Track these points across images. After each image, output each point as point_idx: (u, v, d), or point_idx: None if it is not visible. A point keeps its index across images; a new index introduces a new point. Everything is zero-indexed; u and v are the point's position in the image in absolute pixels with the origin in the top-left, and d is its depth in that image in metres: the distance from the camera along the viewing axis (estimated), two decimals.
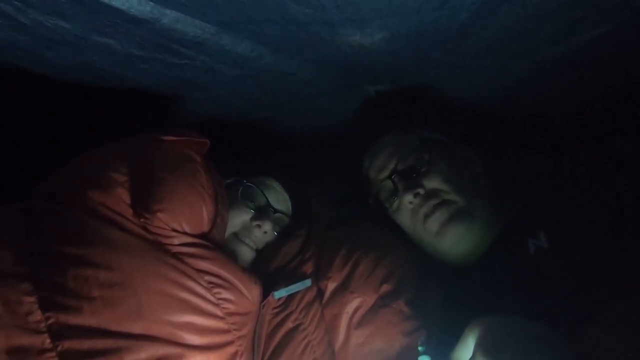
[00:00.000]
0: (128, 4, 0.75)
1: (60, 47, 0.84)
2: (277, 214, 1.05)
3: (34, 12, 0.76)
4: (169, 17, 0.78)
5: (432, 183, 0.93)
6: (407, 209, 0.97)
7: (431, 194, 0.93)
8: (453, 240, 0.90)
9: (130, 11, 0.76)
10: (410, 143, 0.99)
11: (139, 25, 0.79)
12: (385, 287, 0.90)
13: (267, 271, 0.99)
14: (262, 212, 1.02)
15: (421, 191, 0.93)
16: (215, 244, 0.90)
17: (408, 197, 0.94)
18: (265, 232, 1.01)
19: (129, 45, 0.84)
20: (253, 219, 1.00)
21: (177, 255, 0.82)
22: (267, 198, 1.04)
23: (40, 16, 0.76)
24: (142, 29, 0.80)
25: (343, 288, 0.93)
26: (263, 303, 0.93)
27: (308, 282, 0.97)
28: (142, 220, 0.82)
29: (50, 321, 0.69)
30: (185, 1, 0.75)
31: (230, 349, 0.84)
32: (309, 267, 1.01)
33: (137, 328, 0.73)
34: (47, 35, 0.80)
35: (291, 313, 0.94)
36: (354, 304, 0.90)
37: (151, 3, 0.76)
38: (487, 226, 0.90)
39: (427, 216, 0.93)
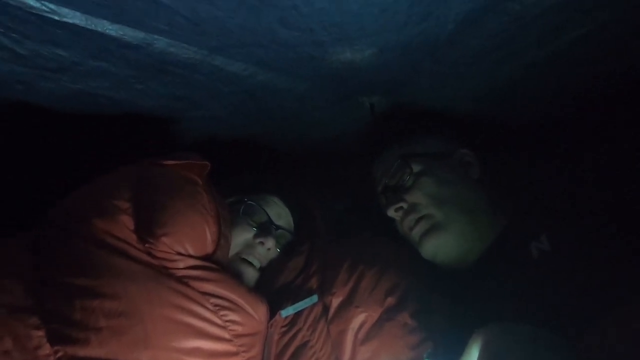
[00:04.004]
0: (121, 32, 0.77)
1: (57, 75, 0.85)
2: (279, 231, 1.06)
3: (31, 43, 0.78)
4: (162, 42, 0.80)
5: (414, 198, 0.98)
6: (397, 221, 1.02)
7: (412, 208, 0.98)
8: (430, 251, 0.96)
9: (123, 38, 0.78)
10: (397, 159, 1.03)
11: (133, 50, 0.81)
12: (390, 300, 0.90)
13: (272, 289, 1.00)
14: (264, 229, 1.02)
15: (404, 205, 0.99)
16: (220, 265, 0.90)
17: (390, 212, 1.00)
18: (268, 248, 1.01)
19: (124, 67, 0.86)
20: (256, 236, 1.01)
21: (182, 280, 0.82)
22: (268, 215, 1.04)
23: (37, 46, 0.78)
24: (136, 53, 0.81)
25: (348, 303, 0.92)
26: (270, 322, 0.93)
27: (315, 299, 0.96)
28: (146, 245, 0.82)
29: (59, 354, 0.70)
30: (176, 30, 0.76)
31: None
32: (314, 283, 1.00)
33: (145, 357, 0.74)
34: (44, 64, 0.82)
35: (299, 331, 0.93)
36: (359, 319, 0.90)
37: (143, 32, 0.77)
38: (468, 236, 0.94)
39: (410, 229, 0.98)
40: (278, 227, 1.05)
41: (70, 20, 0.73)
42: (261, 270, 1.03)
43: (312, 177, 1.28)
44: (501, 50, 0.88)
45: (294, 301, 0.96)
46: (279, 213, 1.07)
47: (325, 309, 0.96)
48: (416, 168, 1.00)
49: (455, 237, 0.94)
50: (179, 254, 0.85)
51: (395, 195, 1.01)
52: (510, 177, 1.06)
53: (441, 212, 0.95)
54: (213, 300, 0.83)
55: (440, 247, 0.95)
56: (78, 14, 0.73)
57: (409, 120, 1.11)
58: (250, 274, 1.00)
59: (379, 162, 1.09)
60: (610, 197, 0.80)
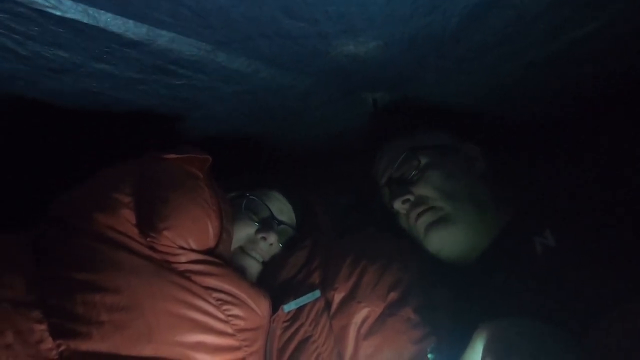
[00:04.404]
0: (124, 27, 0.76)
1: (60, 76, 0.85)
2: (281, 226, 1.05)
3: (33, 44, 0.77)
4: (165, 37, 0.79)
5: (421, 190, 0.97)
6: (402, 214, 1.01)
7: (420, 200, 0.97)
8: (437, 244, 0.96)
9: (126, 34, 0.77)
10: (404, 151, 1.02)
11: (136, 48, 0.80)
12: (393, 295, 0.89)
13: (274, 284, 0.99)
14: (267, 224, 1.02)
15: (411, 198, 0.98)
16: (222, 259, 0.90)
17: (397, 204, 0.98)
18: (270, 244, 1.01)
19: (127, 69, 0.85)
20: (258, 231, 1.01)
21: (184, 274, 0.82)
22: (270, 210, 1.04)
23: (39, 47, 0.78)
24: (138, 51, 0.81)
25: (350, 298, 0.92)
26: (273, 317, 0.93)
27: (317, 294, 0.96)
28: (148, 239, 0.82)
29: (62, 348, 0.70)
30: (180, 22, 0.76)
31: None
32: (316, 278, 1.00)
33: (147, 351, 0.73)
34: (46, 65, 0.82)
35: (301, 326, 0.93)
36: (361, 314, 0.89)
37: (146, 25, 0.77)
38: (474, 230, 0.94)
39: (415, 221, 0.97)
40: (280, 222, 1.05)
41: (72, 16, 0.72)
42: (263, 265, 1.03)
43: (315, 173, 1.29)
44: (503, 47, 0.88)
45: (296, 296, 0.95)
46: (281, 208, 1.07)
47: (328, 304, 0.96)
48: (424, 160, 1.00)
49: (463, 231, 0.93)
50: (181, 247, 0.84)
51: (401, 187, 1.00)
52: (512, 173, 1.06)
53: (450, 205, 0.94)
54: (215, 294, 0.83)
55: (447, 240, 0.94)
56: (80, 7, 0.72)
57: (412, 115, 1.11)
58: (253, 268, 1.00)
59: (384, 155, 1.08)
60: (611, 197, 0.80)
